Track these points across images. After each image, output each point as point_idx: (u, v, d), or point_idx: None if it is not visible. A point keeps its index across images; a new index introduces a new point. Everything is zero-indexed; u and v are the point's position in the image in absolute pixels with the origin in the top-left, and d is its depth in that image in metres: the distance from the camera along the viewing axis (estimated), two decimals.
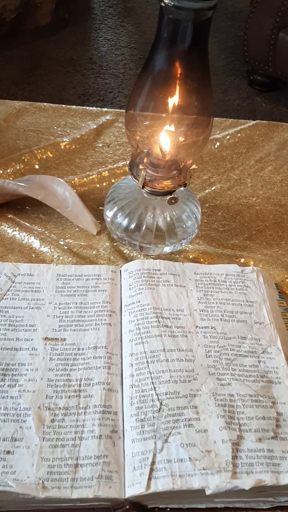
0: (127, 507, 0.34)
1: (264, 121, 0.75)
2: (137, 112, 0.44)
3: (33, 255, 0.52)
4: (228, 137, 0.71)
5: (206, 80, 0.42)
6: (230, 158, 0.68)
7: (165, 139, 0.46)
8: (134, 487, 0.33)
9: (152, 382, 0.38)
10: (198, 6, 0.36)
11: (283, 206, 0.61)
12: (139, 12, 2.52)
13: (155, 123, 0.46)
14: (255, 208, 0.61)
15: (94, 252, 0.53)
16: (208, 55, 0.41)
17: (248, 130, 0.73)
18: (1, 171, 0.61)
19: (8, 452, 0.34)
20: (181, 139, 0.46)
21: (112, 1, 2.60)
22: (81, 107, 0.74)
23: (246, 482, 0.33)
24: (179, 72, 0.41)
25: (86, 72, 2.02)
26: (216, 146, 0.70)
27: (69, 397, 0.38)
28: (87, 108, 0.74)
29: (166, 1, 0.37)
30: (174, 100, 0.42)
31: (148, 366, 0.39)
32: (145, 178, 0.47)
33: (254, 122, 0.74)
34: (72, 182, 0.60)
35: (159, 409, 0.36)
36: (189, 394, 0.37)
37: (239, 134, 0.72)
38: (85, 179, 0.61)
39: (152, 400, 0.37)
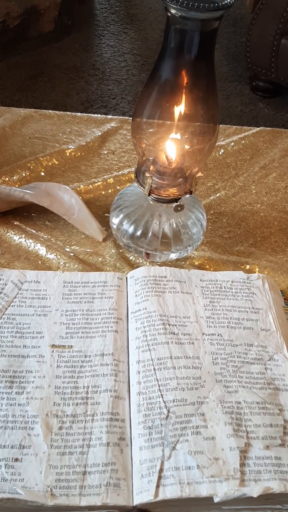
0: None
1: (268, 128, 0.76)
2: (143, 121, 0.45)
3: (39, 262, 0.52)
4: (232, 144, 0.71)
5: (212, 89, 0.42)
6: (235, 165, 0.68)
7: (171, 147, 0.47)
8: (142, 494, 0.33)
9: (160, 390, 0.38)
10: (205, 16, 0.36)
11: (287, 212, 0.61)
12: (141, 19, 2.54)
13: (161, 131, 0.46)
14: (259, 214, 0.61)
15: (100, 259, 0.53)
16: (214, 64, 0.41)
17: (252, 137, 0.73)
18: (7, 178, 0.61)
19: (17, 459, 0.34)
20: (187, 147, 0.46)
21: (115, 8, 2.61)
22: (86, 114, 0.74)
23: (254, 490, 0.33)
24: (185, 81, 0.41)
25: (89, 78, 2.03)
26: (220, 153, 0.70)
27: (77, 405, 0.38)
28: (92, 115, 0.74)
29: (173, 12, 0.37)
30: (180, 109, 0.42)
31: (155, 374, 0.39)
32: (151, 186, 0.48)
33: (258, 129, 0.75)
34: (78, 189, 0.61)
35: (167, 417, 0.37)
36: (197, 402, 0.38)
37: (243, 141, 0.72)
38: (90, 186, 0.62)
39: (160, 408, 0.37)
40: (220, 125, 0.74)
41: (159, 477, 0.34)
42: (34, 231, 0.55)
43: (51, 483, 0.33)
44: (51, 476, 0.34)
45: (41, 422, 0.36)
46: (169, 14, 0.38)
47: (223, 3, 0.36)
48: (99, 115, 0.75)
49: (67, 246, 0.54)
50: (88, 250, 0.54)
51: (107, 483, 0.34)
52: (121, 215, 0.52)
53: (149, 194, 0.48)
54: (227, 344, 0.42)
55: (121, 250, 0.54)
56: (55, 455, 0.35)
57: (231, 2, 0.36)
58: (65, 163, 0.65)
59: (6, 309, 0.44)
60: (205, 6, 0.35)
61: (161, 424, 0.36)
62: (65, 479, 0.34)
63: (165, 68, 0.41)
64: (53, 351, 0.41)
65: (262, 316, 0.45)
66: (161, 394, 0.38)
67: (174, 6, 0.36)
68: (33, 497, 0.33)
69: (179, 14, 0.37)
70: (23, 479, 0.33)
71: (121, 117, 0.74)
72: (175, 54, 0.40)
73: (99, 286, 0.47)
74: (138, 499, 0.33)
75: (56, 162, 0.65)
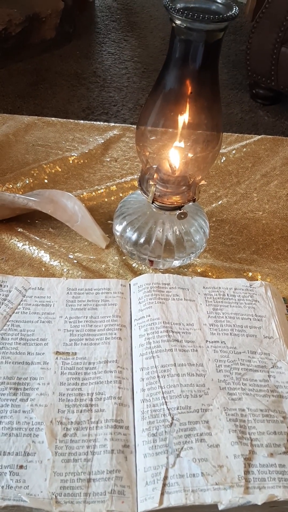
0: None
1: (269, 136, 0.76)
2: (147, 129, 0.45)
3: (43, 269, 0.52)
4: (234, 151, 0.72)
5: (216, 98, 0.43)
6: (236, 173, 0.69)
7: (175, 155, 0.47)
8: (146, 502, 0.33)
9: (164, 397, 0.38)
10: (209, 27, 0.37)
11: None
12: (142, 27, 2.56)
13: (164, 139, 0.47)
14: (261, 222, 0.61)
15: (103, 266, 0.53)
16: (218, 73, 0.42)
17: (253, 144, 0.74)
18: (11, 186, 0.62)
19: (21, 466, 0.34)
20: (190, 155, 0.47)
21: (116, 16, 2.63)
22: (89, 122, 0.75)
23: (258, 497, 0.33)
24: (189, 90, 0.41)
25: (90, 85, 2.04)
26: (222, 161, 0.70)
27: (81, 412, 0.38)
28: (95, 123, 0.75)
29: (178, 22, 0.38)
30: (184, 118, 0.43)
31: (159, 381, 0.39)
32: (154, 194, 0.48)
33: (259, 137, 0.75)
34: (81, 196, 0.61)
35: (171, 424, 0.37)
36: (201, 409, 0.38)
37: (244, 149, 0.73)
38: (93, 193, 0.62)
39: (164, 415, 0.37)
40: None
41: (164, 485, 0.34)
42: (37, 238, 0.55)
43: (55, 491, 0.33)
44: (55, 484, 0.34)
45: (45, 429, 0.37)
46: (174, 25, 0.38)
47: (228, 14, 0.37)
48: (102, 123, 0.75)
49: (71, 253, 0.54)
50: (92, 257, 0.54)
51: (111, 490, 0.34)
52: (125, 222, 0.52)
53: (152, 202, 0.49)
54: (231, 352, 0.42)
55: (124, 257, 0.54)
56: (60, 462, 0.35)
57: (235, 13, 0.37)
58: (68, 170, 0.66)
59: (10, 316, 0.44)
60: (210, 18, 0.36)
61: (165, 432, 0.36)
62: (69, 486, 0.34)
63: (170, 78, 0.42)
64: (57, 358, 0.41)
65: (265, 323, 0.45)
66: (165, 401, 0.38)
67: (179, 17, 0.37)
68: (38, 505, 0.33)
69: (184, 25, 0.37)
70: (28, 486, 0.33)
71: (124, 124, 0.75)
72: (180, 64, 0.40)
73: (103, 293, 0.47)
74: (143, 507, 0.33)
75: (59, 170, 0.65)
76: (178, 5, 0.38)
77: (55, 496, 0.33)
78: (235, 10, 0.37)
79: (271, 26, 1.77)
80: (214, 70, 0.41)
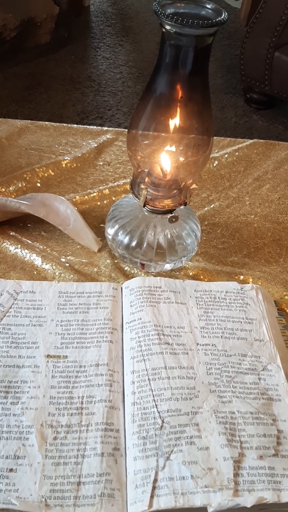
0: None
1: (262, 140, 0.76)
2: (139, 133, 0.45)
3: (35, 272, 0.52)
4: (226, 155, 0.72)
5: (206, 103, 0.43)
6: (229, 177, 0.69)
7: (166, 159, 0.47)
8: (136, 505, 0.33)
9: (154, 400, 0.38)
10: (199, 32, 0.37)
11: (281, 223, 0.62)
12: (137, 31, 2.57)
13: (156, 143, 0.47)
14: (253, 225, 0.62)
15: (95, 269, 0.53)
16: (208, 78, 0.42)
17: (246, 149, 0.74)
18: (3, 189, 0.62)
19: (11, 470, 0.34)
20: (182, 159, 0.47)
21: (111, 21, 2.64)
22: (82, 126, 0.75)
23: (247, 500, 0.33)
24: (180, 95, 0.42)
25: (85, 90, 2.05)
26: (214, 165, 0.71)
27: (71, 415, 0.38)
28: (88, 127, 0.75)
29: (168, 28, 0.38)
30: (175, 122, 0.43)
31: (150, 384, 0.40)
32: (146, 197, 0.48)
33: (252, 141, 0.76)
34: (74, 200, 0.61)
35: (161, 427, 0.37)
36: (191, 412, 0.38)
37: (237, 153, 0.73)
38: (86, 197, 0.62)
39: (154, 418, 0.37)
40: (215, 137, 0.75)
41: (153, 488, 0.34)
42: (29, 242, 0.55)
43: (45, 494, 0.33)
44: (45, 487, 0.34)
45: (35, 432, 0.37)
46: (164, 30, 0.39)
47: (217, 19, 0.37)
48: (95, 127, 0.75)
49: (63, 257, 0.54)
50: (84, 261, 0.54)
51: (101, 493, 0.34)
52: (117, 226, 0.52)
53: (144, 206, 0.49)
54: (221, 354, 0.42)
55: (116, 261, 0.54)
56: (50, 465, 0.35)
57: (224, 18, 0.37)
58: (61, 174, 0.66)
59: (2, 319, 0.44)
60: (199, 23, 0.36)
61: (155, 434, 0.36)
62: (59, 489, 0.34)
63: (160, 82, 0.42)
64: (48, 361, 0.42)
65: (255, 326, 0.45)
66: (156, 404, 0.38)
67: (169, 22, 0.37)
68: (28, 508, 0.33)
69: (174, 30, 0.38)
70: (18, 489, 0.33)
71: (117, 128, 0.75)
72: (170, 68, 0.41)
73: (94, 297, 0.47)
74: (133, 510, 0.33)
75: (52, 173, 0.66)
76: (168, 10, 0.38)
77: (45, 499, 0.33)
78: (224, 15, 0.37)
79: (265, 31, 1.78)
80: (204, 74, 0.41)
